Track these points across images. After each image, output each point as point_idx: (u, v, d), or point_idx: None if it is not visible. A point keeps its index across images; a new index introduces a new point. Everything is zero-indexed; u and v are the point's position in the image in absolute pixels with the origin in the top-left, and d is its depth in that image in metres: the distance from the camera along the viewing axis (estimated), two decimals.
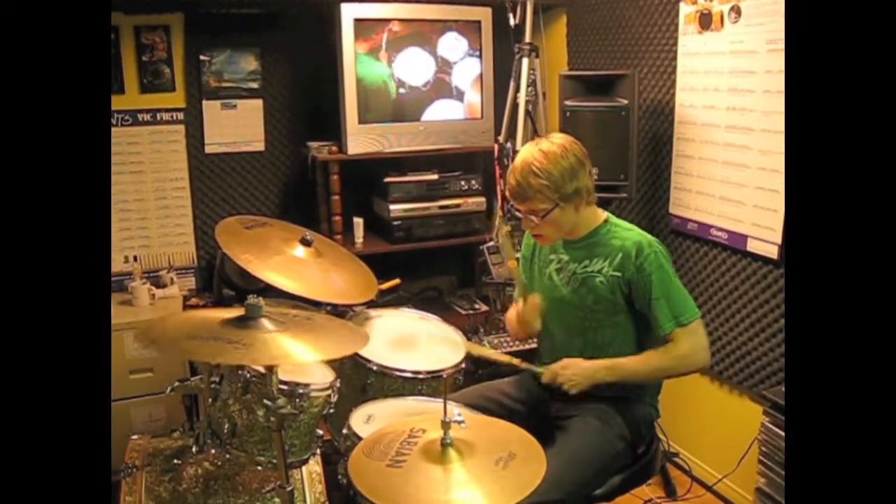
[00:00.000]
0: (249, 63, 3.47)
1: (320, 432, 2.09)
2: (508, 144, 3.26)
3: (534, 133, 3.25)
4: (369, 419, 2.05)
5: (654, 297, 1.96)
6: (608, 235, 2.05)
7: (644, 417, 2.09)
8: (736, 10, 2.55)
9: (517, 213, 2.08)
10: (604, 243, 2.04)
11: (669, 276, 1.98)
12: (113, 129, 3.26)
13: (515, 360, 2.17)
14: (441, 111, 3.53)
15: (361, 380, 2.27)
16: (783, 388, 2.29)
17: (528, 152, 2.00)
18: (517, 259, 2.33)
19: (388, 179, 3.46)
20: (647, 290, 1.96)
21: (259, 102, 3.52)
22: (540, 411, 2.14)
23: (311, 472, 2.17)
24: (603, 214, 2.10)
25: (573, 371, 2.00)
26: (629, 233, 2.04)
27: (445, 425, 1.53)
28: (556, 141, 2.01)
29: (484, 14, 3.51)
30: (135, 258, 3.41)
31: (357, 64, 3.30)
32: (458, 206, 3.55)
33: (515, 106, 3.26)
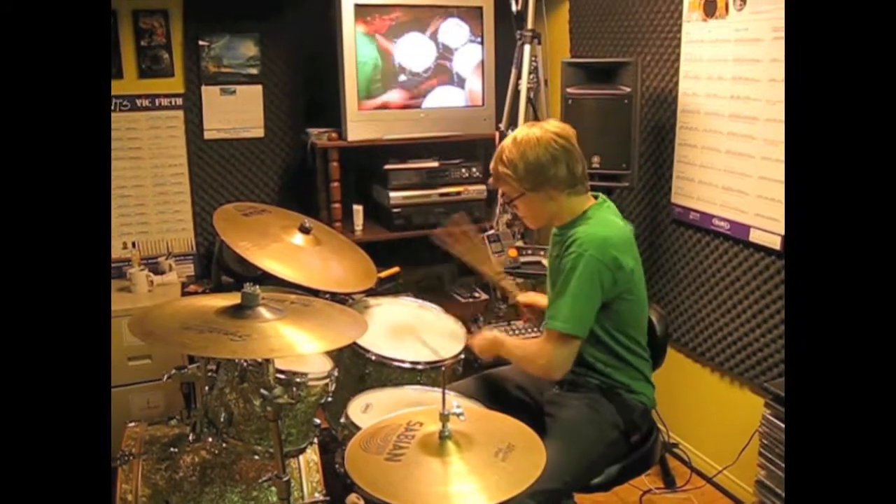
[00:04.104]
0: (249, 49, 3.44)
1: (318, 421, 2.08)
2: (510, 132, 3.22)
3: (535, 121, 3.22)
4: (367, 408, 2.04)
5: (556, 291, 1.94)
6: (582, 225, 1.99)
7: (636, 405, 2.06)
8: None
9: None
10: (576, 233, 1.97)
11: (576, 281, 1.89)
12: (111, 115, 3.23)
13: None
14: (442, 98, 3.50)
15: (360, 369, 2.25)
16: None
17: (509, 137, 2.01)
18: (517, 249, 2.32)
19: (388, 166, 3.44)
20: (556, 281, 1.96)
21: (258, 88, 3.49)
22: (537, 398, 2.13)
23: (309, 461, 2.16)
24: (588, 203, 2.04)
25: (480, 339, 2.16)
26: (592, 227, 1.96)
27: (444, 418, 1.52)
28: (536, 132, 1.96)
29: (486, 0, 3.48)
30: (133, 244, 3.40)
31: (357, 50, 3.27)
32: (458, 193, 3.53)
33: (517, 93, 3.23)
